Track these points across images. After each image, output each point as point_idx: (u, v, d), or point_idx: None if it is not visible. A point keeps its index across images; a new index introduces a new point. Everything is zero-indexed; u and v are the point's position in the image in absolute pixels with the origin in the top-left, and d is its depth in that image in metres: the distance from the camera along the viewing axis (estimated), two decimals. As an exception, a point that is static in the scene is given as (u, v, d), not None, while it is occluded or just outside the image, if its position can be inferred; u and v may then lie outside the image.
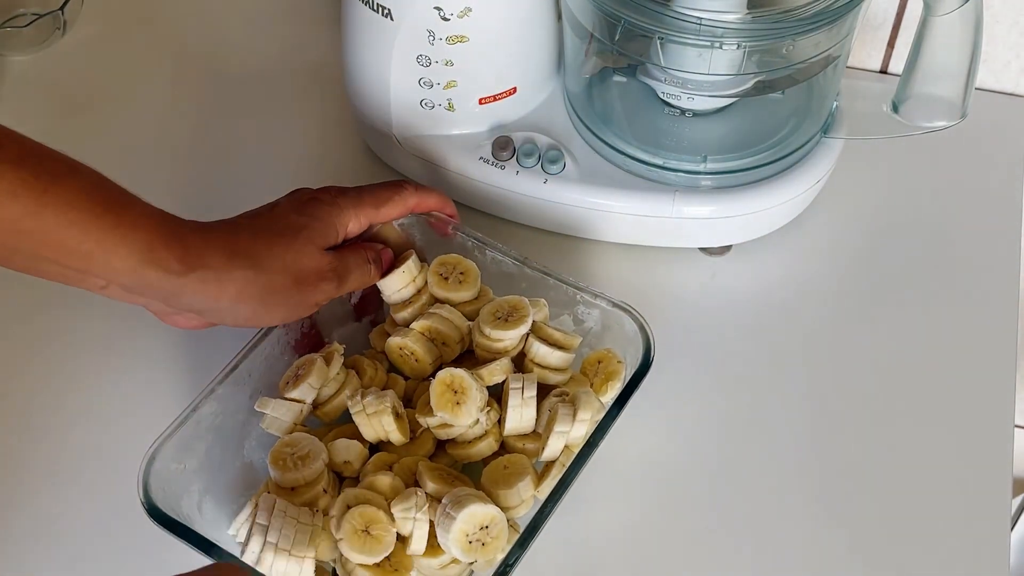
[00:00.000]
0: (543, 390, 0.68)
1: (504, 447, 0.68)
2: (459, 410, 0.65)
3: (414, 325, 0.70)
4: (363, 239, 0.71)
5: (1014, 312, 0.80)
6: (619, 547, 0.69)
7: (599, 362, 0.69)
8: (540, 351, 0.68)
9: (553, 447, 0.64)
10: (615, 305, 0.69)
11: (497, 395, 0.68)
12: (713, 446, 0.73)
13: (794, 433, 0.74)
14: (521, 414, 0.66)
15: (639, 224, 0.80)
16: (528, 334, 0.69)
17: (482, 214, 0.83)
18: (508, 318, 0.68)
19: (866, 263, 0.83)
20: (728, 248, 0.83)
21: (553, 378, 0.69)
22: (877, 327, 0.79)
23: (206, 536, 0.60)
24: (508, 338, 0.68)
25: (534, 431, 0.67)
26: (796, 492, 0.71)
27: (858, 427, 0.74)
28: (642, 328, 0.67)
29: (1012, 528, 1.20)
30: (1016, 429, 0.75)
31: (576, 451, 0.63)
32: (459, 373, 0.65)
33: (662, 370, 0.75)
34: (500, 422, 0.67)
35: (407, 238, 0.74)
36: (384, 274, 0.71)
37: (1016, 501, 1.25)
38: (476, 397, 0.65)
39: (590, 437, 0.64)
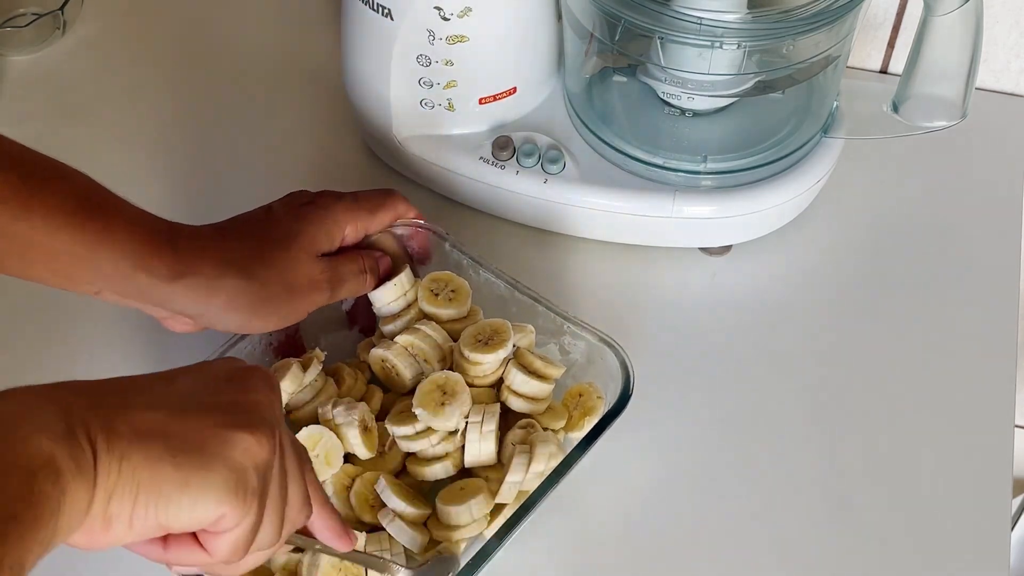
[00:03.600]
0: (517, 418, 0.67)
1: (468, 472, 0.67)
2: (442, 411, 0.64)
3: (398, 339, 0.69)
4: (360, 247, 0.71)
5: (1014, 312, 0.80)
6: (617, 546, 0.69)
7: (580, 395, 0.69)
8: (517, 379, 0.67)
9: (505, 494, 0.63)
10: (601, 339, 0.68)
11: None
12: (713, 445, 0.73)
13: (794, 433, 0.74)
14: (480, 448, 0.65)
15: (639, 224, 0.80)
16: (509, 359, 0.68)
17: (482, 214, 0.83)
18: (489, 341, 0.67)
19: (866, 263, 0.83)
20: (728, 248, 0.83)
21: (529, 408, 0.67)
22: (877, 327, 0.79)
23: None
24: (486, 361, 0.67)
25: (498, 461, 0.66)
26: (796, 491, 0.71)
27: (858, 427, 0.74)
28: (624, 365, 0.66)
29: (1012, 528, 1.20)
30: (1016, 429, 0.75)
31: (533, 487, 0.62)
32: (454, 375, 0.65)
33: (662, 370, 0.76)
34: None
35: (404, 251, 0.74)
36: (376, 285, 0.71)
37: (1016, 501, 1.25)
38: (465, 400, 0.65)
39: (546, 479, 0.62)
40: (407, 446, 0.66)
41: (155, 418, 0.46)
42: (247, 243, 0.65)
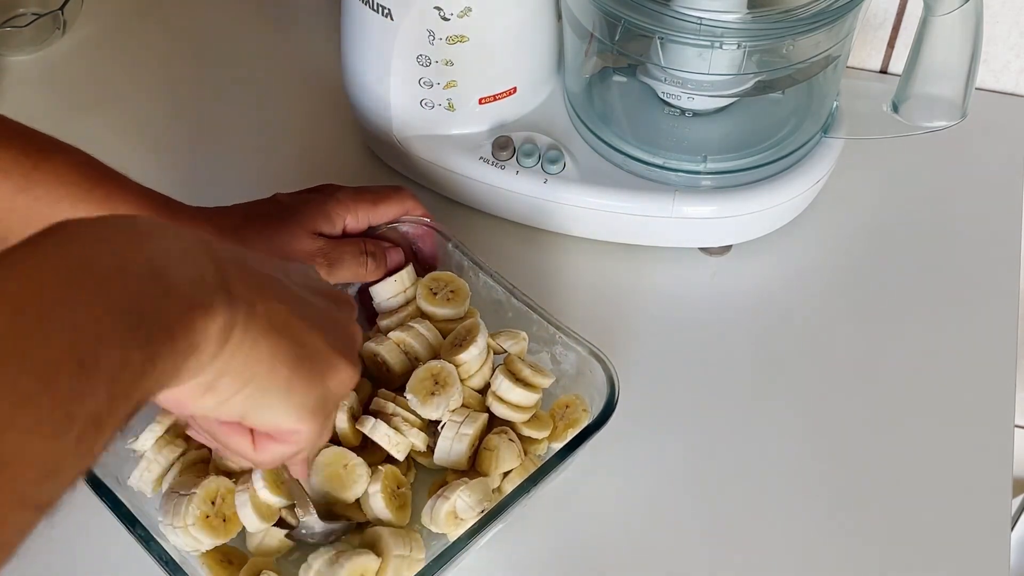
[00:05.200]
0: (499, 424, 0.67)
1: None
2: (431, 400, 0.64)
3: (391, 335, 0.69)
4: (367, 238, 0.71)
5: (1014, 312, 0.80)
6: (615, 544, 0.69)
7: (567, 407, 0.69)
8: (503, 385, 0.67)
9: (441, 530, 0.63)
10: (591, 352, 0.67)
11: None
12: (712, 445, 0.73)
13: (793, 433, 0.74)
14: (451, 446, 0.65)
15: (639, 224, 0.80)
16: (498, 366, 0.68)
17: (482, 214, 0.83)
18: (463, 342, 0.67)
19: (866, 263, 0.83)
20: (728, 248, 0.83)
21: (513, 415, 0.67)
22: (877, 327, 0.79)
23: (133, 508, 0.60)
24: (464, 361, 0.67)
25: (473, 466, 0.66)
26: (796, 492, 0.71)
27: (858, 427, 0.74)
28: (610, 381, 0.66)
29: (1012, 528, 1.20)
30: (1016, 429, 0.75)
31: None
32: (449, 366, 0.66)
33: (661, 370, 0.76)
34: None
35: (409, 248, 0.74)
36: (382, 278, 0.71)
37: (1016, 501, 1.25)
38: (454, 395, 0.65)
39: (517, 489, 0.62)
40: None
41: (283, 311, 0.47)
42: (246, 220, 0.66)
